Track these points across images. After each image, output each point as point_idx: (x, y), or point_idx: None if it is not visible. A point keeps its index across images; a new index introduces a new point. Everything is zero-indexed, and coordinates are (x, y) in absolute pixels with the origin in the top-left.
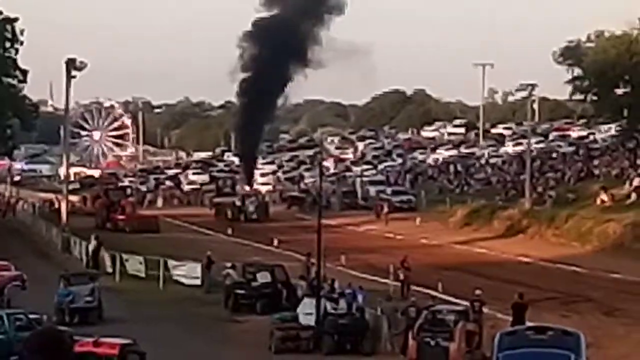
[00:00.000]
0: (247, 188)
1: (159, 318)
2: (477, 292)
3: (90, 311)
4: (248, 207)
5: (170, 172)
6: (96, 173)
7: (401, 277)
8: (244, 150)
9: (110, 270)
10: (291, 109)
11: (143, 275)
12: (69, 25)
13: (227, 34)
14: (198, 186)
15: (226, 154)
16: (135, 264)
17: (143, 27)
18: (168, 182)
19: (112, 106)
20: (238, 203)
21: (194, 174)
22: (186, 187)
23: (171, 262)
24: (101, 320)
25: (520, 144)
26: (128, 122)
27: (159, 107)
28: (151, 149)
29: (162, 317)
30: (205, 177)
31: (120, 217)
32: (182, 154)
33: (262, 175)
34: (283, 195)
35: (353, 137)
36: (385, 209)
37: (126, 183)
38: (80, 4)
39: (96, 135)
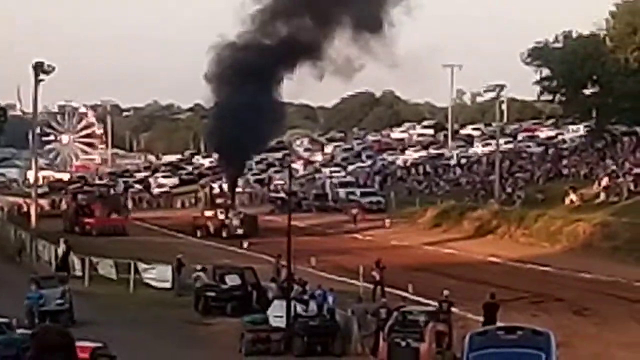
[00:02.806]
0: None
1: (129, 321)
2: (445, 292)
3: (61, 314)
4: (232, 220)
5: (140, 175)
6: (65, 177)
7: (377, 277)
8: (227, 159)
9: (79, 273)
10: None
11: (114, 278)
12: (36, 28)
13: (195, 37)
14: (167, 189)
15: (195, 157)
16: (105, 268)
17: (111, 30)
18: (137, 186)
19: (85, 113)
20: (221, 216)
21: (163, 177)
22: (155, 191)
23: (141, 265)
24: (72, 323)
25: (489, 144)
26: (99, 132)
27: (127, 110)
28: (120, 152)
29: (132, 320)
30: (174, 180)
31: (88, 220)
32: (151, 157)
33: None
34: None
35: (322, 139)
36: (355, 211)
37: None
38: (47, 7)
39: (65, 139)
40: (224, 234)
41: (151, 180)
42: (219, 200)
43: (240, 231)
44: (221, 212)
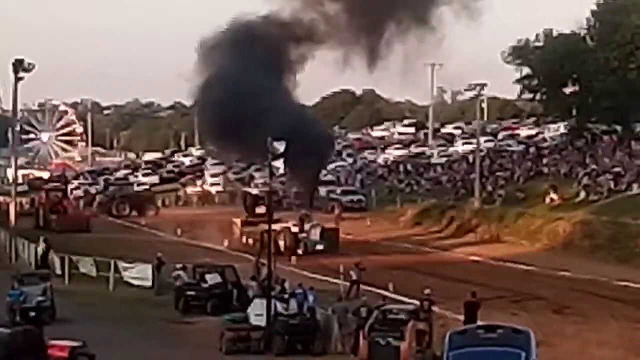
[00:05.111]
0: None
1: (109, 320)
2: (426, 291)
3: (42, 311)
4: (310, 234)
5: (120, 173)
6: (45, 175)
7: (353, 277)
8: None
9: (59, 272)
10: None
11: (94, 276)
12: (15, 26)
13: (176, 34)
14: (148, 187)
15: (176, 154)
16: (85, 266)
17: (91, 28)
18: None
19: (65, 111)
20: (294, 229)
21: (143, 175)
22: (136, 188)
23: (122, 264)
24: (54, 320)
25: (470, 143)
26: (80, 130)
27: (107, 108)
28: (100, 150)
29: (112, 318)
30: (154, 178)
31: (53, 216)
32: (132, 155)
33: (212, 175)
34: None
35: None
36: (337, 211)
37: (75, 184)
38: (27, 4)
39: (45, 137)
40: (300, 251)
41: (131, 178)
42: (259, 210)
43: (320, 247)
44: (294, 225)
